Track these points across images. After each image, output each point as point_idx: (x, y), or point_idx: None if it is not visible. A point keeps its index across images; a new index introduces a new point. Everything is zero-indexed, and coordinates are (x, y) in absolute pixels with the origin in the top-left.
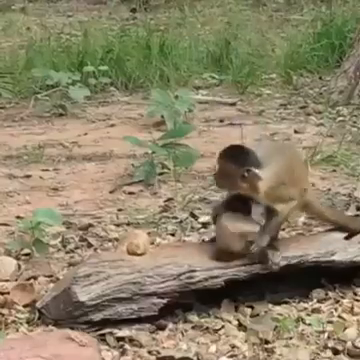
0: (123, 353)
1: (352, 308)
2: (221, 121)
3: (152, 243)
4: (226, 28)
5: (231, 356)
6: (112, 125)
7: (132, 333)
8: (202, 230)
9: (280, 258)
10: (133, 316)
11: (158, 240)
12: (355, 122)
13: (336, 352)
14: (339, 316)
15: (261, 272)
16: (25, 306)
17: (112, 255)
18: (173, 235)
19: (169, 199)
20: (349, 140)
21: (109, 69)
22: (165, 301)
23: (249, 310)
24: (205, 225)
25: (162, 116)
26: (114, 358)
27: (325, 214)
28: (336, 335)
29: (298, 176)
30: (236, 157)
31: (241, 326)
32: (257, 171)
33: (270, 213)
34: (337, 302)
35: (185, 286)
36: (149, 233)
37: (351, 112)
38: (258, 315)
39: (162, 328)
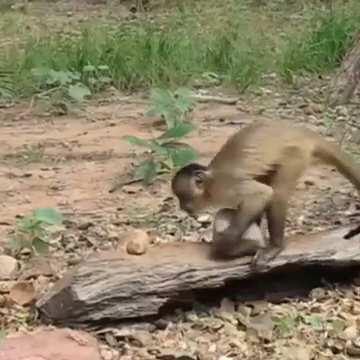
0: (123, 352)
1: (352, 307)
2: (221, 120)
3: (152, 242)
4: (226, 27)
5: (231, 355)
6: (112, 124)
7: (132, 332)
8: (202, 229)
9: (270, 257)
10: (133, 315)
11: (158, 239)
12: (355, 121)
13: (336, 351)
14: (339, 315)
15: (261, 271)
16: (25, 305)
17: (112, 254)
18: (173, 234)
19: (169, 198)
20: (349, 139)
21: (109, 68)
22: (165, 300)
23: (249, 309)
24: (205, 224)
25: (162, 115)
26: (114, 357)
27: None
28: (336, 334)
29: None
30: (185, 172)
31: (241, 325)
32: (205, 172)
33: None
34: (337, 301)
35: (185, 285)
36: (149, 232)
37: (351, 111)
38: (258, 314)
39: (162, 327)
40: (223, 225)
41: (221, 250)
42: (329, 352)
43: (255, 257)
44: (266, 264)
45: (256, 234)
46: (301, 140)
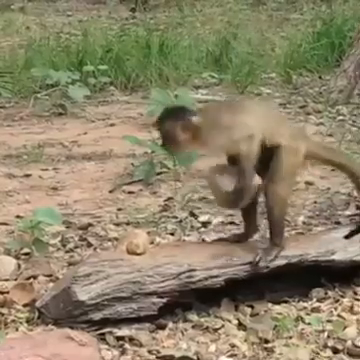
0: (123, 352)
1: (352, 307)
2: None
3: (152, 242)
4: (226, 27)
5: (231, 355)
6: (112, 124)
7: (132, 332)
8: (202, 229)
9: (271, 260)
10: (133, 315)
11: (158, 239)
12: (355, 121)
13: (336, 351)
14: (339, 315)
15: (261, 271)
16: (25, 305)
17: (112, 254)
18: (173, 234)
19: (169, 198)
20: (349, 139)
21: (109, 68)
22: (165, 300)
23: (249, 309)
24: (205, 224)
25: None
26: (114, 357)
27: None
28: (336, 334)
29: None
30: (173, 114)
31: (241, 325)
32: (193, 118)
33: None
34: (337, 301)
35: (185, 285)
36: (149, 232)
37: (351, 111)
38: (258, 314)
39: (162, 327)
40: (228, 182)
41: (239, 203)
42: (329, 352)
43: (257, 258)
44: (267, 265)
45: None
46: (295, 140)
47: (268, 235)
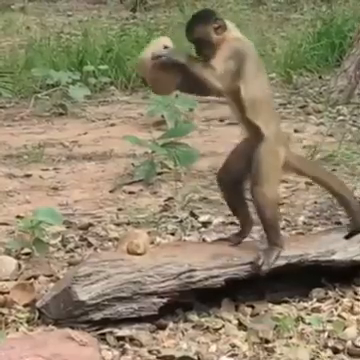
0: (123, 352)
1: (352, 307)
2: (221, 120)
3: (152, 242)
4: None
5: (231, 355)
6: (112, 124)
7: (132, 332)
8: (202, 229)
9: (273, 260)
10: (133, 315)
11: (158, 239)
12: (355, 121)
13: (336, 351)
14: (339, 315)
15: (263, 274)
16: (25, 306)
17: (112, 254)
18: (173, 234)
19: (169, 198)
20: (349, 139)
21: (109, 68)
22: (165, 300)
23: (249, 309)
24: (205, 224)
25: (162, 115)
26: (114, 357)
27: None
28: (336, 334)
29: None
30: (204, 17)
31: (241, 325)
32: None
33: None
34: (337, 301)
35: (185, 285)
36: (149, 232)
37: (351, 111)
38: (258, 314)
39: (162, 327)
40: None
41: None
42: (329, 352)
43: (259, 262)
44: (270, 267)
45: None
46: (277, 142)
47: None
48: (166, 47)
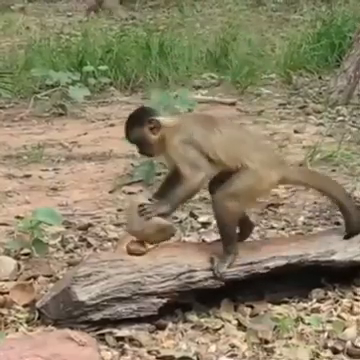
0: (123, 353)
1: (351, 308)
2: None
3: (152, 243)
4: (225, 28)
5: (231, 356)
6: (112, 125)
7: (132, 333)
8: (202, 230)
9: (227, 267)
10: (133, 316)
11: None
12: (354, 122)
13: (336, 352)
14: (338, 316)
15: (260, 272)
16: (25, 306)
17: (112, 255)
18: (173, 235)
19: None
20: (348, 140)
21: (109, 69)
22: (165, 301)
23: (249, 310)
24: (205, 225)
25: None
26: (114, 358)
27: (303, 182)
28: (336, 335)
29: (225, 146)
30: (137, 120)
31: (241, 326)
32: (159, 118)
33: (178, 180)
34: (337, 302)
35: (185, 286)
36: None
37: (351, 112)
38: (258, 315)
39: (162, 328)
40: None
41: (136, 232)
42: (329, 353)
43: (214, 268)
44: (224, 272)
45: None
46: (266, 168)
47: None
48: (141, 205)
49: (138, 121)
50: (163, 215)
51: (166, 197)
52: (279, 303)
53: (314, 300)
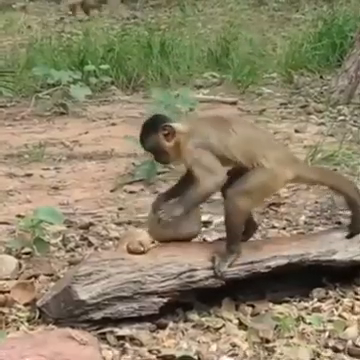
0: (123, 352)
1: (353, 307)
2: None
3: (153, 242)
4: (227, 27)
5: (232, 355)
6: (113, 124)
7: (132, 332)
8: (203, 229)
9: (227, 266)
10: (134, 315)
11: None
12: (356, 121)
13: (337, 351)
14: (340, 315)
15: (262, 271)
16: (26, 305)
17: (113, 254)
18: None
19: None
20: (350, 139)
21: (110, 68)
22: (166, 300)
23: (250, 309)
24: (206, 224)
25: None
26: (114, 357)
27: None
28: (337, 334)
29: (242, 148)
30: (151, 128)
31: (242, 325)
32: (173, 124)
33: (192, 182)
34: (338, 301)
35: (186, 285)
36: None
37: (352, 111)
38: (259, 314)
39: (163, 327)
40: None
41: (154, 231)
42: (330, 352)
43: (215, 267)
44: (225, 271)
45: (193, 223)
46: (281, 166)
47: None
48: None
49: (152, 129)
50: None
51: (180, 199)
52: (280, 302)
53: (315, 299)
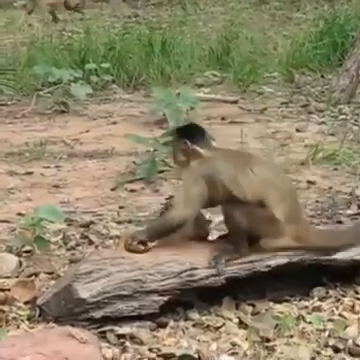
0: (124, 350)
1: (353, 306)
2: (223, 119)
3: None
4: (228, 26)
5: (232, 354)
6: (114, 122)
7: (133, 330)
8: None
9: (224, 261)
10: (134, 313)
11: None
12: (357, 120)
13: (337, 350)
14: (340, 314)
15: (262, 270)
16: (26, 303)
17: (113, 252)
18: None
19: (170, 197)
20: (351, 138)
21: (111, 66)
22: (166, 298)
23: (250, 308)
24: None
25: (164, 114)
26: (115, 355)
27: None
28: (337, 333)
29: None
30: (183, 131)
31: (242, 324)
32: (195, 146)
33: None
34: (338, 300)
35: (186, 284)
36: None
37: (353, 110)
38: (259, 313)
39: (163, 326)
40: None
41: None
42: (330, 351)
43: (214, 262)
44: (225, 267)
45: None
46: (287, 223)
47: None
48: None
49: (179, 134)
50: (143, 243)
51: (148, 224)
52: (280, 301)
53: (315, 299)
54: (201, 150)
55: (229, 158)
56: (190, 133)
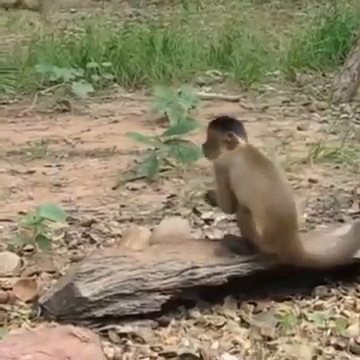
0: (125, 349)
1: (355, 305)
2: None
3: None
4: (229, 25)
5: (233, 352)
6: (115, 121)
7: (134, 329)
8: (205, 226)
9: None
10: (136, 312)
11: None
12: (358, 119)
13: (339, 349)
14: (342, 313)
15: (264, 269)
16: (27, 302)
17: (115, 251)
18: None
19: (172, 195)
20: (352, 137)
21: (112, 65)
22: (168, 297)
23: (251, 307)
24: (208, 221)
25: (165, 112)
26: (116, 354)
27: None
28: (339, 332)
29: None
30: (223, 124)
31: (243, 323)
32: (239, 138)
33: None
34: (340, 299)
35: (188, 282)
36: (152, 229)
37: (354, 109)
38: (260, 312)
39: (165, 324)
40: None
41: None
42: (332, 350)
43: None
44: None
45: None
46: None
47: None
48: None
49: (221, 127)
50: None
51: None
52: (282, 300)
53: (317, 297)
54: (242, 144)
55: (249, 158)
56: (234, 127)
